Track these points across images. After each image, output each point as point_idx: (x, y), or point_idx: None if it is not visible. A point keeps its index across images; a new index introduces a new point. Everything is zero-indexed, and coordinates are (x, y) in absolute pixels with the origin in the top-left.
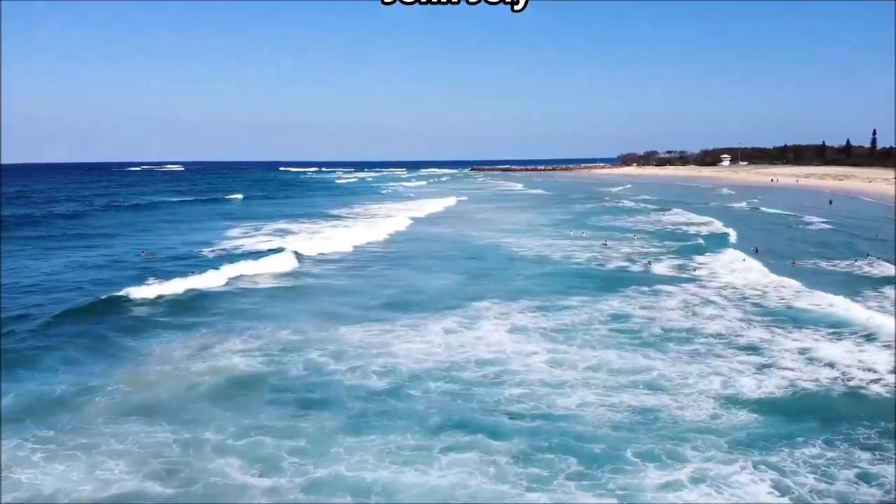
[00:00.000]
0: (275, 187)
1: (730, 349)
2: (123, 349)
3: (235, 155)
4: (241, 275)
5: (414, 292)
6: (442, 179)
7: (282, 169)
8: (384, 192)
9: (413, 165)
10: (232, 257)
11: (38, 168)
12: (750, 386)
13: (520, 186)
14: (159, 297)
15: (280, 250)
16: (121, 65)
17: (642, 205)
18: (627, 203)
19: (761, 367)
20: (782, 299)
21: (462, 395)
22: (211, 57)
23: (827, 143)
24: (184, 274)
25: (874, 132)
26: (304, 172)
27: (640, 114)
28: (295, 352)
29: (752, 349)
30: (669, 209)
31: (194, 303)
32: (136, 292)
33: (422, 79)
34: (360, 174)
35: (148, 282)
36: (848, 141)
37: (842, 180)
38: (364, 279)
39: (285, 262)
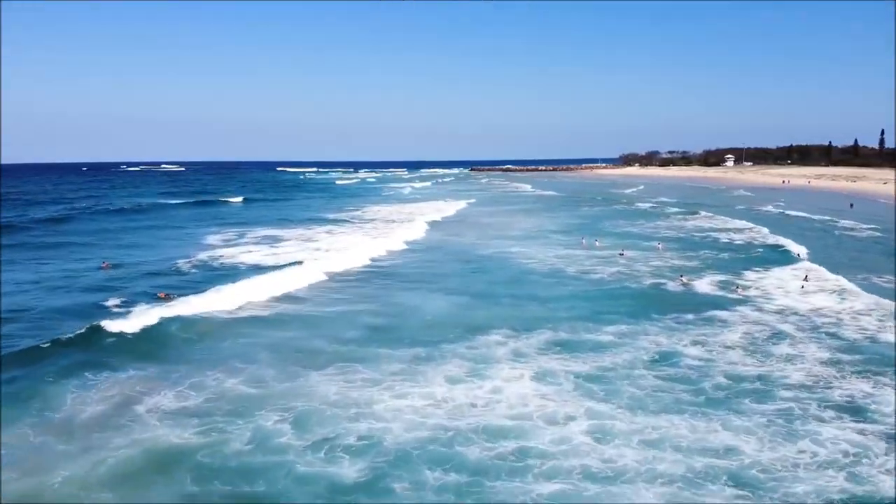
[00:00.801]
0: (272, 189)
1: (829, 409)
2: (31, 400)
3: (232, 154)
4: (205, 297)
5: (409, 321)
6: (445, 181)
7: (279, 169)
8: (385, 194)
9: (411, 165)
10: (205, 272)
11: (35, 168)
12: (887, 480)
13: (528, 188)
14: (98, 326)
15: (262, 268)
16: (115, 63)
17: (659, 207)
18: (642, 205)
19: (886, 442)
20: (863, 330)
21: (471, 492)
22: (209, 56)
23: (833, 144)
24: (141, 296)
25: (882, 132)
26: (303, 173)
27: (640, 113)
28: (242, 414)
29: (858, 411)
30: (695, 213)
31: (136, 335)
32: (77, 323)
33: (420, 77)
34: (361, 174)
35: (102, 303)
36: (856, 141)
37: (854, 181)
38: (351, 303)
39: (262, 282)
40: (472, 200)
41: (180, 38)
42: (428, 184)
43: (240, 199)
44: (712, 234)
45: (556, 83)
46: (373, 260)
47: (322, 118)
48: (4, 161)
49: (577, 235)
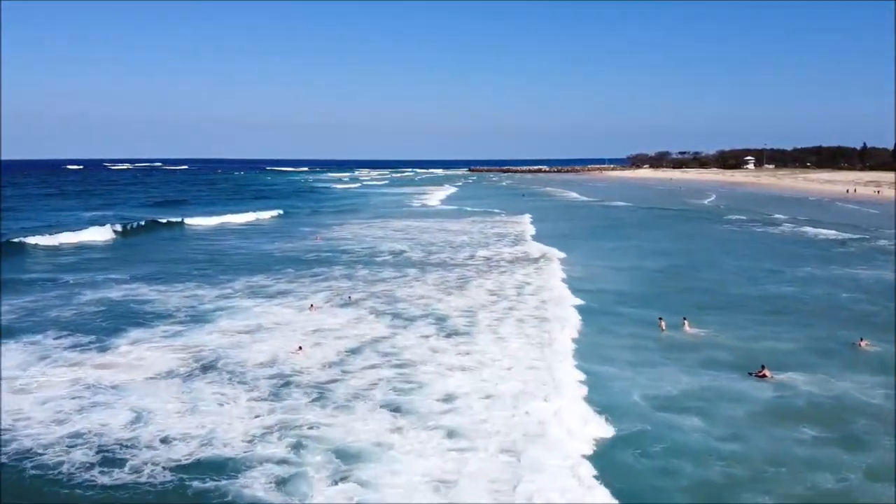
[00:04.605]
0: (251, 195)
1: None
2: None
3: (227, 153)
4: None
5: None
6: (466, 182)
7: (269, 168)
8: (407, 203)
9: (406, 165)
10: None
11: (21, 166)
12: None
13: (574, 195)
14: None
15: None
16: (110, 61)
17: (761, 229)
18: (733, 228)
19: None
20: None
21: None
22: (201, 55)
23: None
24: None
25: None
26: (295, 173)
27: (641, 113)
28: None
29: None
30: (874, 241)
31: None
32: None
33: (417, 76)
34: (363, 174)
35: None
36: None
37: None
38: None
39: None
40: (530, 215)
41: (177, 37)
42: (450, 189)
43: (206, 207)
44: None
45: (554, 82)
46: None
47: (314, 116)
48: (5, 157)
49: (666, 302)
